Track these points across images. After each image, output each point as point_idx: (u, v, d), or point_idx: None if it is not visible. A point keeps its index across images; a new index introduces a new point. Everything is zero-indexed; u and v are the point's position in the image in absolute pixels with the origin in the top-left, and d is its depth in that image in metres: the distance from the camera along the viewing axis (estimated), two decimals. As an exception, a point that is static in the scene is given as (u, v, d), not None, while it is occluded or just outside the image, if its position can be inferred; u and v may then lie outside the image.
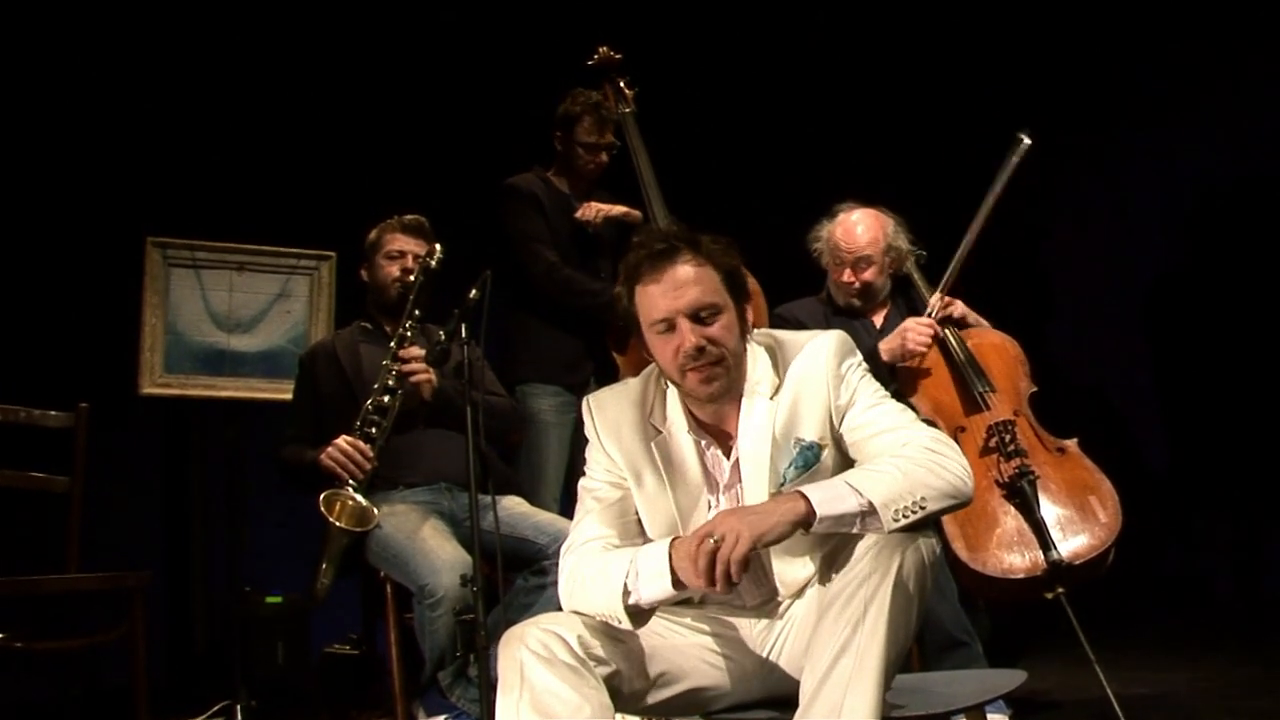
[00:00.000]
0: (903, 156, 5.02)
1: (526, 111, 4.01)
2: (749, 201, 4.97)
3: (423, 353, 3.01)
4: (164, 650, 4.10)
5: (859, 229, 3.35)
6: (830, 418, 2.02)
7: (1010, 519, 2.91)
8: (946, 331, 3.27)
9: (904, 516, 1.81)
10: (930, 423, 2.90)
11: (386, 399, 3.01)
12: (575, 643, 1.85)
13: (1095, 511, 2.92)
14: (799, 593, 2.03)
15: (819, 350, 2.04)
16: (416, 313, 3.09)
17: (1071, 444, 3.10)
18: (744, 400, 2.03)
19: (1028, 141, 3.33)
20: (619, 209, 3.68)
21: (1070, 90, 5.03)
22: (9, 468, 2.99)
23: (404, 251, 3.21)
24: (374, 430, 2.99)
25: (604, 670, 1.88)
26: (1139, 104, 4.99)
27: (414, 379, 3.02)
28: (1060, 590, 2.84)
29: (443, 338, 2.66)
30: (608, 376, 3.51)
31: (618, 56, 3.90)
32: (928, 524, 1.86)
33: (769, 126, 5.21)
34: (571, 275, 3.59)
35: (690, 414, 2.06)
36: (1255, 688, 3.19)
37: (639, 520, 2.07)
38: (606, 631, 1.91)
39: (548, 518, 3.02)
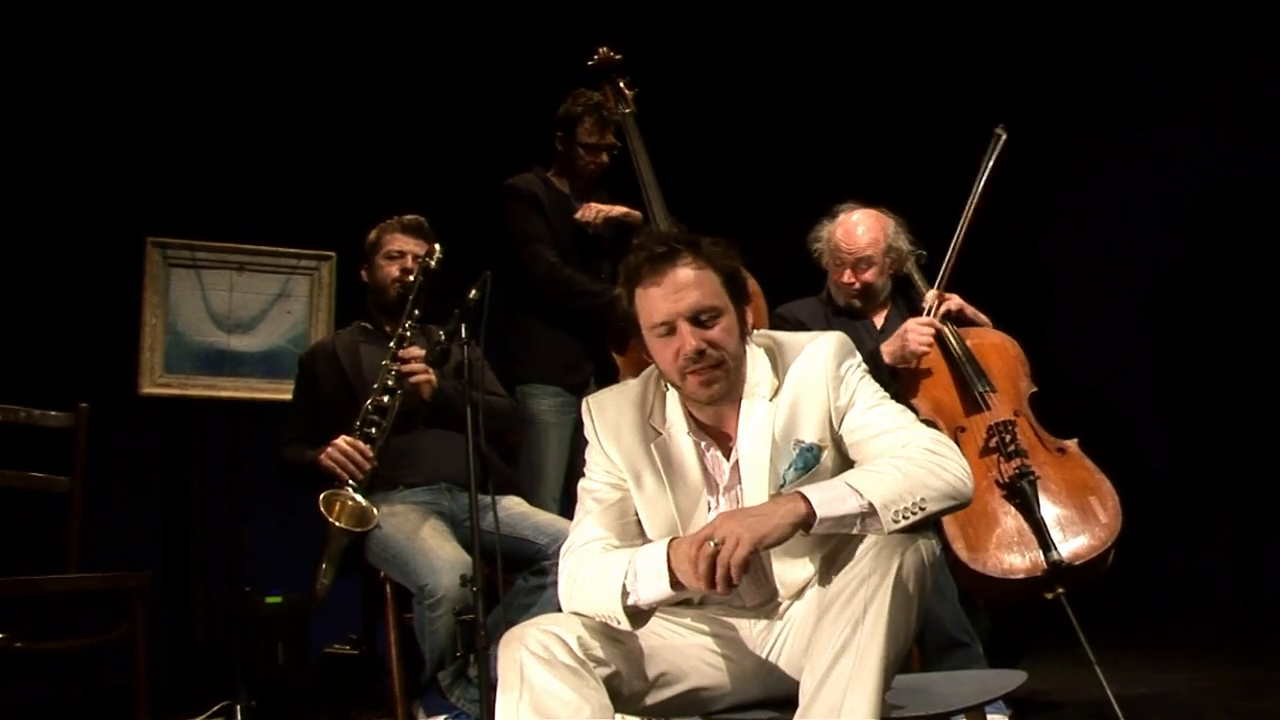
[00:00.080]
0: (902, 157, 5.01)
1: (526, 111, 4.01)
2: (749, 202, 4.98)
3: (423, 353, 3.01)
4: (164, 650, 4.10)
5: (859, 230, 3.35)
6: (830, 419, 2.02)
7: (1010, 519, 2.91)
8: (946, 329, 3.26)
9: (904, 517, 1.81)
10: (930, 423, 2.91)
11: (386, 399, 3.01)
12: (575, 643, 1.85)
13: (1095, 512, 2.92)
14: (799, 593, 2.03)
15: (818, 352, 2.04)
16: (416, 313, 3.09)
17: (1072, 444, 3.10)
18: (743, 402, 2.03)
19: (1004, 136, 3.32)
20: (619, 209, 3.68)
21: (1070, 90, 5.03)
22: (9, 468, 2.99)
23: (404, 251, 3.21)
24: (374, 430, 2.99)
25: (604, 671, 1.88)
26: (1139, 104, 4.99)
27: (413, 379, 3.02)
28: (1060, 590, 2.84)
29: (443, 338, 2.66)
30: (608, 377, 3.52)
31: (618, 57, 3.90)
32: (928, 524, 1.86)
33: (769, 127, 5.20)
34: (571, 275, 3.59)
35: (690, 415, 2.06)
36: (1256, 688, 3.19)
37: (638, 521, 2.07)
38: (606, 632, 1.91)
39: (547, 518, 3.02)
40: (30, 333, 3.94)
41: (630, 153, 3.76)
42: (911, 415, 2.02)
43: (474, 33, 4.78)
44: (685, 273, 1.98)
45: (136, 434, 4.10)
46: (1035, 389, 3.23)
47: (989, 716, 2.25)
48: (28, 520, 3.34)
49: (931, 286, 3.36)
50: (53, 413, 3.06)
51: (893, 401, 2.05)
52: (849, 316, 3.40)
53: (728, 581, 1.77)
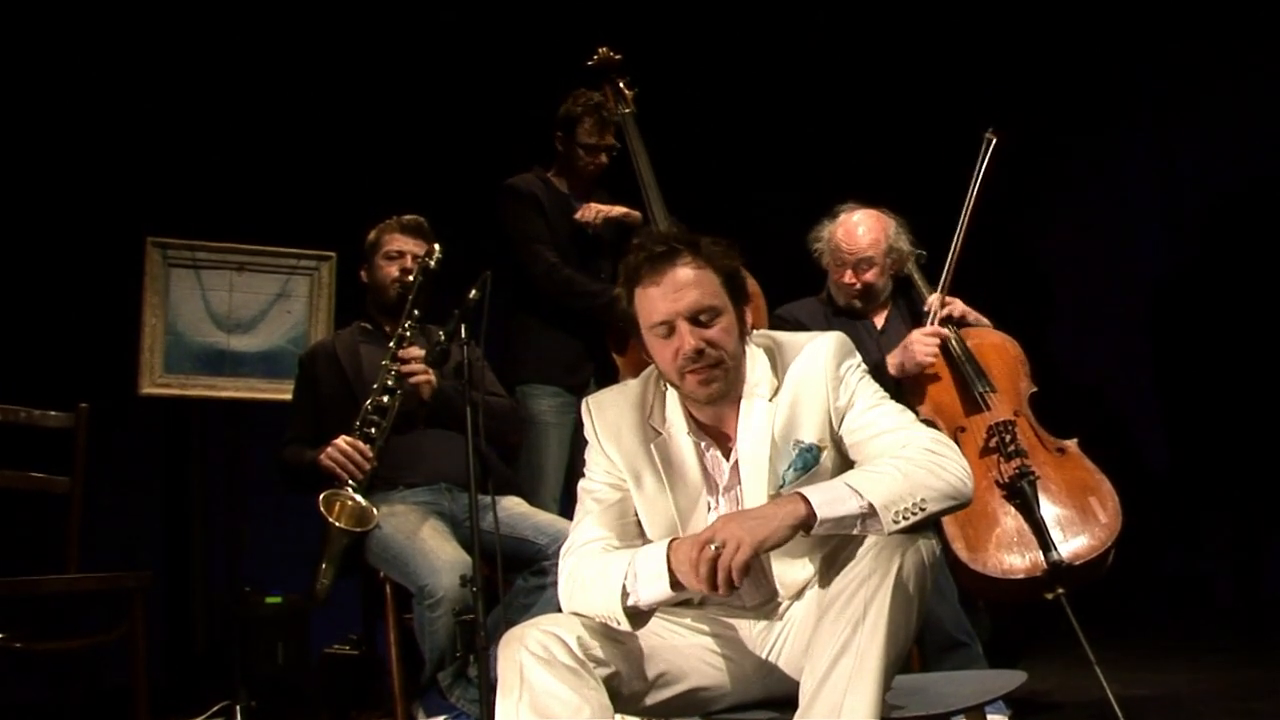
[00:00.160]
0: (902, 157, 5.01)
1: (526, 111, 4.01)
2: (749, 202, 4.97)
3: (422, 353, 3.01)
4: (164, 650, 4.10)
5: (860, 230, 3.34)
6: (829, 419, 2.02)
7: (1010, 519, 2.91)
8: (947, 330, 3.26)
9: (904, 518, 1.81)
10: (930, 423, 2.91)
11: (386, 399, 3.01)
12: (575, 644, 1.85)
13: (1095, 512, 2.92)
14: (799, 594, 2.03)
15: (818, 352, 2.04)
16: (416, 313, 3.09)
17: (1072, 444, 3.10)
18: (743, 402, 2.03)
19: (994, 139, 3.31)
20: (619, 210, 3.68)
21: (1070, 90, 5.03)
22: (9, 468, 2.98)
23: (403, 252, 3.21)
24: (373, 430, 2.99)
25: (603, 671, 1.88)
26: (1139, 104, 4.99)
27: (413, 380, 3.02)
28: (1060, 591, 2.84)
29: (443, 338, 2.66)
30: (608, 378, 3.51)
31: (618, 57, 3.90)
32: (928, 525, 1.86)
33: (769, 127, 5.20)
34: (571, 276, 3.59)
35: (690, 415, 2.06)
36: (1255, 689, 3.19)
37: (638, 522, 2.07)
38: (606, 633, 1.91)
39: (547, 518, 3.02)
40: (30, 333, 3.94)
41: (630, 153, 3.76)
42: (911, 415, 2.02)
43: (474, 33, 4.78)
44: (685, 272, 1.98)
45: (136, 434, 4.10)
46: (1035, 389, 3.22)
47: (989, 717, 2.25)
48: (28, 520, 3.34)
49: (932, 287, 3.35)
50: (53, 413, 3.06)
51: (892, 402, 2.05)
52: (849, 317, 3.40)
53: (729, 584, 1.77)
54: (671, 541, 1.89)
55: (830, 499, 1.82)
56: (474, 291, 2.58)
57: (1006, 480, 2.96)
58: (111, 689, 3.46)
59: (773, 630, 2.05)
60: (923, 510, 1.82)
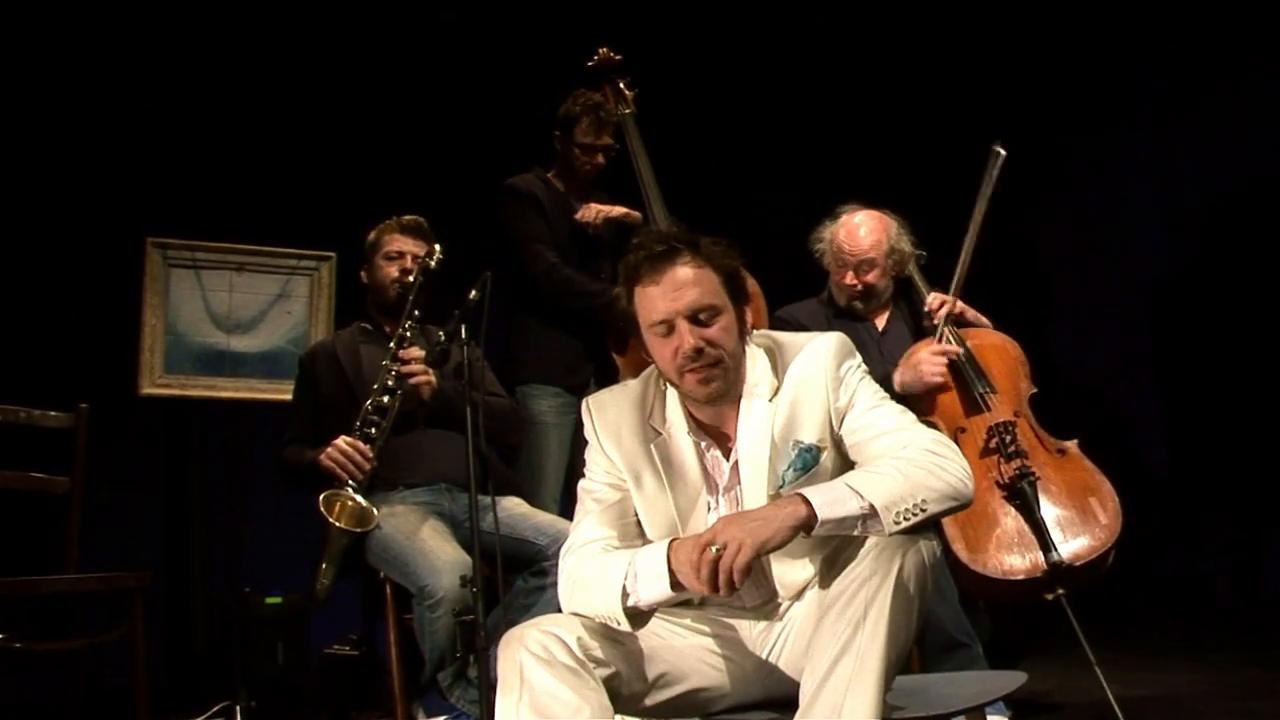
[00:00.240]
0: (903, 157, 5.01)
1: (526, 111, 4.01)
2: (749, 203, 4.97)
3: (422, 353, 3.01)
4: (164, 650, 4.10)
5: (862, 231, 3.33)
6: (829, 420, 2.02)
7: (1010, 520, 2.91)
8: (946, 330, 3.26)
9: (905, 519, 1.81)
10: (930, 424, 2.91)
11: (386, 399, 3.01)
12: (575, 644, 1.85)
13: (1096, 513, 2.91)
14: (799, 594, 2.03)
15: (818, 352, 2.04)
16: (416, 313, 3.09)
17: (1072, 445, 3.09)
18: (743, 402, 2.03)
19: (1003, 153, 3.29)
20: (619, 210, 3.68)
21: (1070, 90, 5.02)
22: (9, 468, 2.99)
23: (403, 252, 3.21)
24: (373, 430, 2.99)
25: (603, 672, 1.88)
26: (1139, 104, 4.99)
27: (413, 380, 3.02)
28: (1060, 591, 2.83)
29: (443, 338, 2.65)
30: (608, 378, 3.51)
31: (618, 58, 3.90)
32: (928, 526, 1.86)
33: (769, 128, 5.20)
34: (572, 276, 3.59)
35: (690, 415, 2.06)
36: (1256, 689, 3.19)
37: (638, 522, 2.07)
38: (606, 633, 1.91)
39: (547, 519, 3.02)
40: (30, 333, 3.95)
41: (630, 153, 3.76)
42: (912, 416, 2.02)
43: (474, 33, 4.78)
44: (684, 271, 1.98)
45: (136, 434, 4.10)
46: (1035, 390, 3.22)
47: (989, 717, 2.25)
48: (28, 520, 3.34)
49: (932, 288, 3.35)
50: (53, 413, 3.06)
51: (893, 402, 2.05)
52: (850, 318, 3.39)
53: (730, 585, 1.77)
54: (672, 542, 1.89)
55: (831, 500, 1.82)
56: (474, 292, 2.58)
57: (1007, 481, 2.96)
58: (111, 689, 3.46)
59: (773, 631, 2.05)
60: (923, 511, 1.82)
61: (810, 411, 2.02)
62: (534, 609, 2.81)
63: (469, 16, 4.76)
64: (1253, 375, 4.59)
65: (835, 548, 1.94)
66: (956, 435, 3.07)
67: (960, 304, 3.34)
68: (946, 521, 2.85)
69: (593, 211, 3.65)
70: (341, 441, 2.95)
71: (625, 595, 1.88)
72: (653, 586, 1.87)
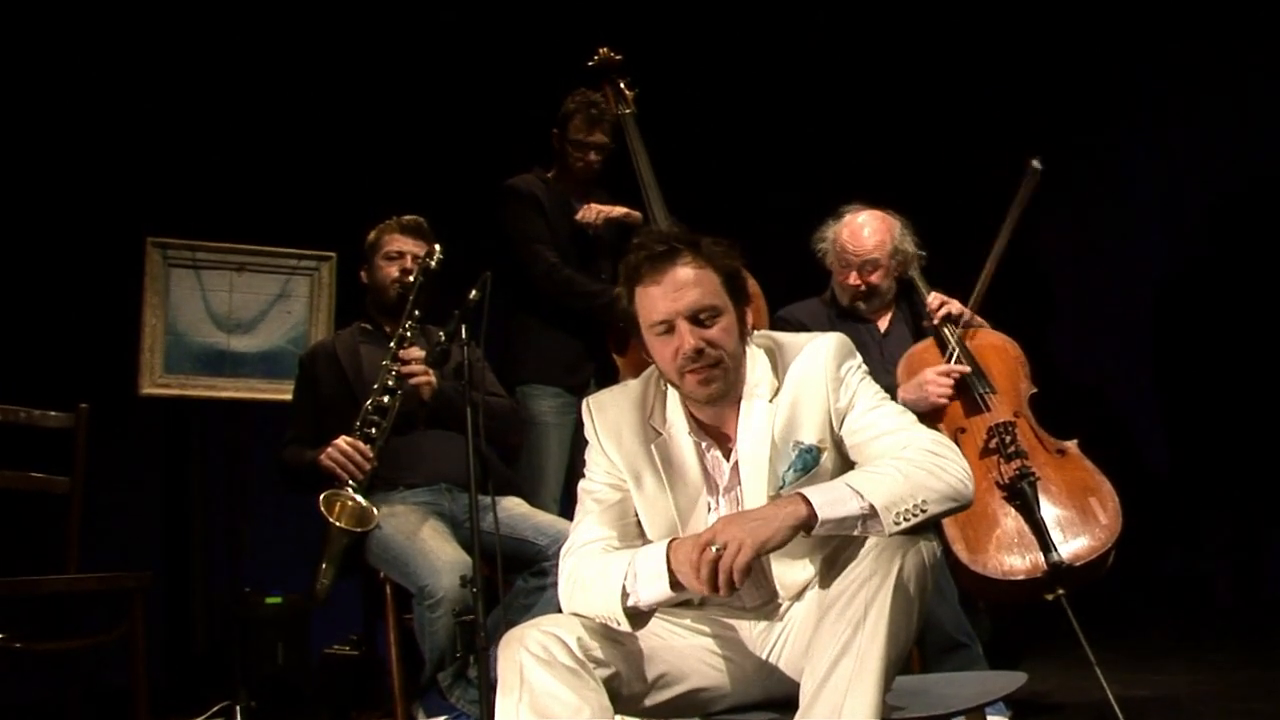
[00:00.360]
0: (903, 157, 5.01)
1: (526, 111, 4.01)
2: (749, 203, 4.97)
3: (423, 354, 3.01)
4: (164, 650, 4.10)
5: (865, 231, 3.32)
6: (830, 420, 2.02)
7: (1010, 520, 2.91)
8: (946, 331, 3.26)
9: (905, 519, 1.81)
10: (930, 424, 2.90)
11: (386, 399, 3.01)
12: (575, 644, 1.85)
13: (1096, 513, 2.91)
14: (799, 594, 2.03)
15: (818, 352, 2.04)
16: (416, 313, 3.09)
17: (1072, 445, 3.09)
18: (743, 403, 2.03)
19: (1040, 168, 3.26)
20: (619, 210, 3.68)
21: (1070, 90, 5.02)
22: (9, 468, 2.99)
23: (403, 252, 3.21)
24: (374, 430, 2.99)
25: (603, 672, 1.88)
26: (1139, 104, 4.99)
27: (413, 381, 3.02)
28: (1060, 592, 2.83)
29: (443, 339, 2.65)
30: (608, 378, 3.51)
31: (618, 57, 3.90)
32: (928, 526, 1.86)
33: (769, 128, 5.20)
34: (572, 276, 3.59)
35: (691, 415, 2.06)
36: (1256, 689, 3.19)
37: (639, 522, 2.07)
38: (606, 633, 1.91)
39: (548, 519, 3.02)
40: (30, 333, 3.94)
41: (630, 153, 3.76)
42: (912, 416, 2.02)
43: (474, 33, 4.78)
44: (685, 272, 1.98)
45: (136, 434, 4.10)
46: (1035, 390, 3.22)
47: (989, 718, 2.25)
48: (28, 520, 3.34)
49: (931, 288, 3.35)
50: (53, 413, 3.06)
51: (893, 403, 2.05)
52: (853, 319, 3.38)
53: (730, 586, 1.77)
54: (671, 542, 1.89)
55: (831, 500, 1.82)
56: (474, 292, 2.58)
57: (1007, 481, 2.96)
58: (111, 689, 3.46)
59: (773, 631, 2.04)
60: (924, 512, 1.82)
61: (810, 412, 2.01)
62: (534, 609, 2.81)
63: (469, 16, 4.75)
64: (1253, 375, 4.59)
65: (835, 548, 1.94)
66: (956, 435, 3.07)
67: (958, 304, 3.32)
68: (947, 522, 2.85)
69: (593, 212, 3.65)
70: (342, 441, 2.95)
71: (625, 595, 1.88)
72: (653, 587, 1.87)
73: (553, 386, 3.62)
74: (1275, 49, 4.52)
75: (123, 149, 4.19)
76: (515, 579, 2.94)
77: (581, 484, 2.12)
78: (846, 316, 3.40)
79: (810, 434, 2.01)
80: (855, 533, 1.84)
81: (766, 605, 2.06)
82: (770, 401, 2.02)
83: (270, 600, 3.69)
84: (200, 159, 4.29)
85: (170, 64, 4.29)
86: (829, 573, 1.90)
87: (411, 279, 3.12)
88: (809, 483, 1.94)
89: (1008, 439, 3.03)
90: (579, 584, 1.96)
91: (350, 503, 2.92)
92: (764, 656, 2.04)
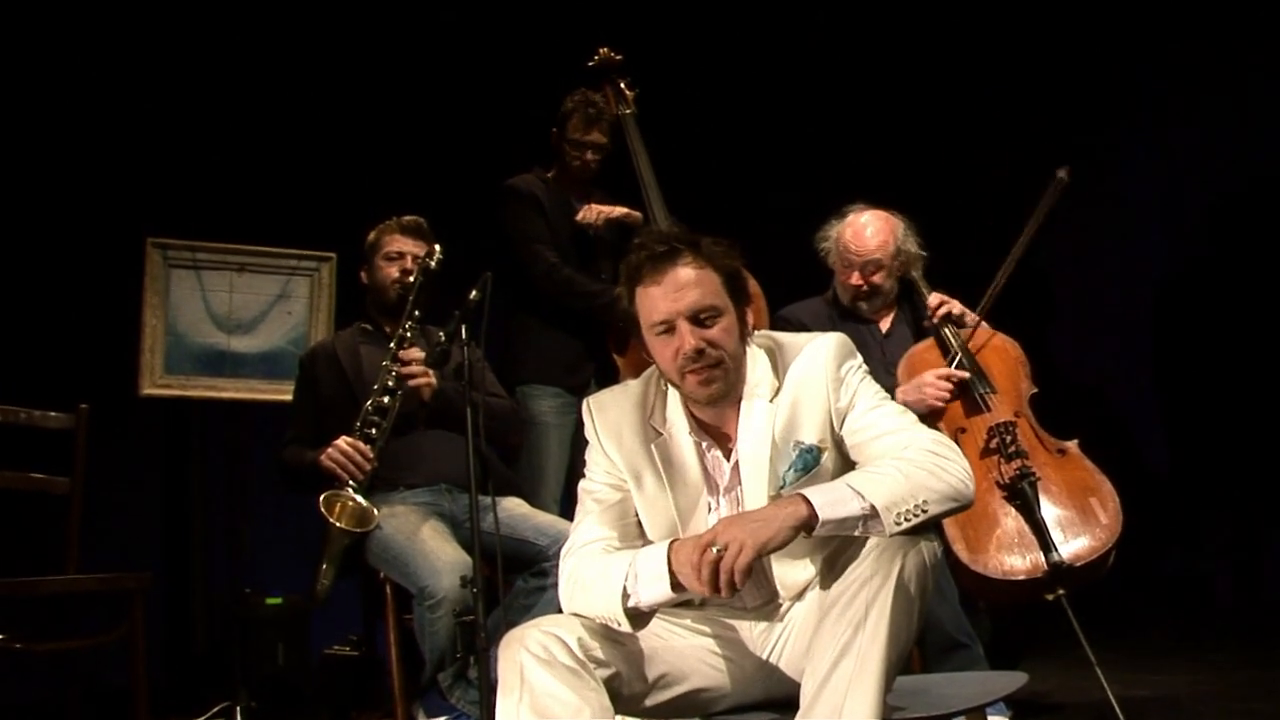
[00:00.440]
0: (903, 157, 5.01)
1: (526, 111, 4.01)
2: (749, 203, 4.97)
3: (423, 354, 3.01)
4: (164, 651, 4.10)
5: (869, 231, 3.31)
6: (830, 420, 2.01)
7: (1011, 520, 2.91)
8: (946, 331, 3.25)
9: (906, 520, 1.81)
10: (930, 424, 2.90)
11: (386, 400, 3.01)
12: (575, 645, 1.85)
13: (1096, 513, 2.91)
14: (799, 595, 2.03)
15: (818, 352, 2.04)
16: (416, 313, 3.09)
17: (1072, 445, 3.09)
18: (743, 403, 2.03)
19: (1066, 179, 3.24)
20: (619, 210, 3.68)
21: (1070, 90, 5.02)
22: (9, 468, 2.99)
23: (403, 252, 3.20)
24: (374, 431, 2.98)
25: (604, 672, 1.88)
26: (1139, 104, 4.99)
27: (413, 383, 3.01)
28: (1061, 592, 2.83)
29: (443, 339, 2.65)
30: (608, 378, 3.51)
31: (618, 58, 3.90)
32: (929, 526, 1.86)
33: (770, 127, 5.20)
34: (572, 276, 3.59)
35: (691, 415, 2.06)
36: (1256, 689, 3.19)
37: (639, 522, 2.06)
38: (606, 634, 1.91)
39: (548, 519, 3.02)
40: (30, 333, 3.94)
41: (630, 153, 3.76)
42: (913, 416, 2.02)
43: (474, 33, 4.78)
44: (686, 272, 1.98)
45: (137, 435, 4.10)
46: (1036, 390, 3.22)
47: (990, 718, 2.25)
48: (28, 520, 3.34)
49: (932, 289, 3.34)
50: (53, 414, 3.06)
51: (893, 403, 2.05)
52: (854, 320, 3.37)
53: (731, 586, 1.77)
54: (672, 543, 1.89)
55: (832, 500, 1.82)
56: (474, 292, 2.58)
57: (1007, 481, 2.95)
58: (111, 689, 3.46)
59: (773, 631, 2.04)
60: (924, 512, 1.82)
61: (811, 412, 2.01)
62: (534, 609, 2.81)
63: (469, 16, 4.75)
64: (1253, 375, 4.59)
65: (836, 548, 1.94)
66: (957, 435, 3.07)
67: (958, 304, 3.31)
68: (947, 522, 2.84)
69: (594, 212, 3.64)
70: (342, 442, 2.95)
71: (626, 596, 1.88)
72: (653, 587, 1.87)
73: (553, 387, 3.62)
74: (1275, 49, 4.52)
75: (123, 149, 4.19)
76: (515, 579, 2.94)
77: (582, 484, 2.12)
78: (848, 317, 3.39)
79: (811, 434, 2.01)
80: (856, 533, 1.84)
81: (767, 606, 2.06)
82: (771, 401, 2.02)
83: (270, 600, 3.68)
84: (200, 159, 4.29)
85: (170, 64, 4.29)
86: (830, 573, 1.90)
87: (411, 279, 3.12)
88: (810, 483, 1.94)
89: (1008, 439, 3.03)
90: (579, 584, 1.96)
91: (350, 503, 2.91)
92: (764, 657, 2.04)
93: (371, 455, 2.96)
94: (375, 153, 4.54)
